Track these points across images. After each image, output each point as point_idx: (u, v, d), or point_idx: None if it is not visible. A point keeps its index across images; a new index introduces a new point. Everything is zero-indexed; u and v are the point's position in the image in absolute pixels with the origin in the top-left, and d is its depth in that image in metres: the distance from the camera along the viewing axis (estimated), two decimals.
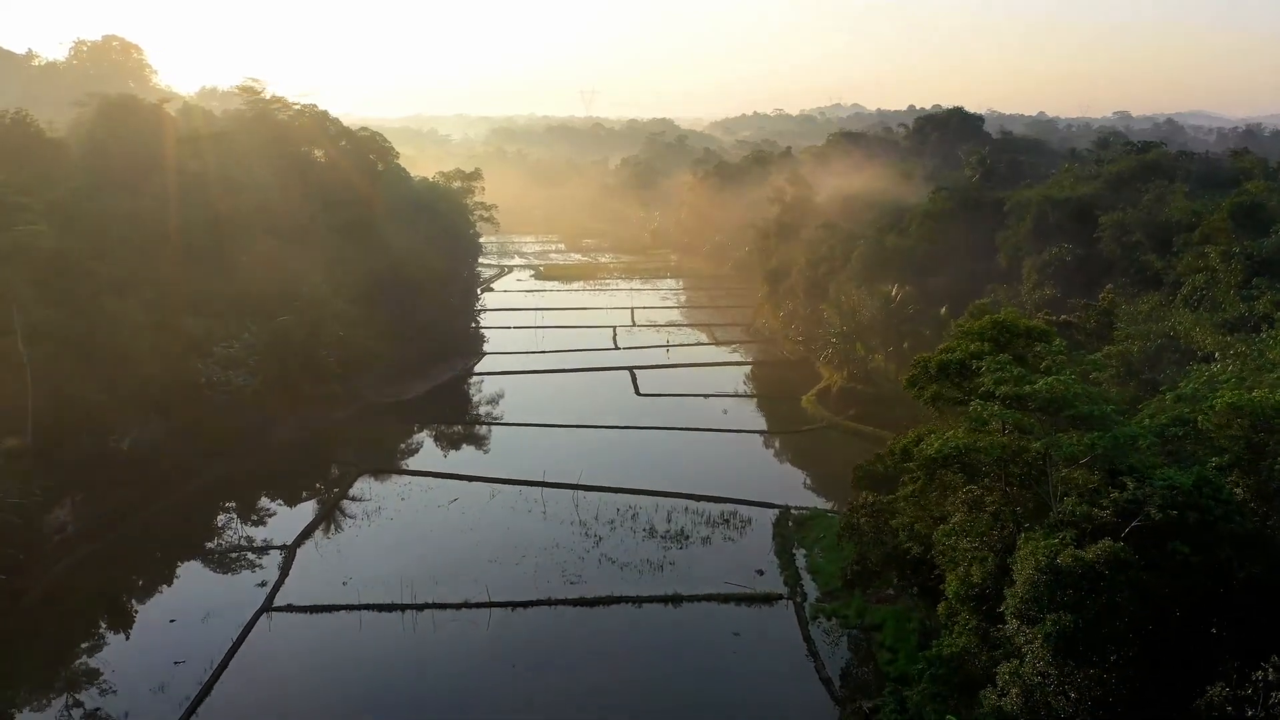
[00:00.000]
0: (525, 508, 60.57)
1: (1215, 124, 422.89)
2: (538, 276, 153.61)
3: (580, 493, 62.52)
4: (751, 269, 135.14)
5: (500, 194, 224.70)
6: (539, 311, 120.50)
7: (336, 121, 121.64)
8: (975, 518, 31.01)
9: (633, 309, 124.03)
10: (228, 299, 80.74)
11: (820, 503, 62.23)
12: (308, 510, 60.39)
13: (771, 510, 59.74)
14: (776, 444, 74.20)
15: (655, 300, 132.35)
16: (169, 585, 51.70)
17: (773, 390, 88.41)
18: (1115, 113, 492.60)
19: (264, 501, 62.83)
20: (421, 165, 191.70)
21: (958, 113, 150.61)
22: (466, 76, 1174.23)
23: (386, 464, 69.33)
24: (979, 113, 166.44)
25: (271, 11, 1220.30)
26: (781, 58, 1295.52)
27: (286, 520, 59.36)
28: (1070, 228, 73.65)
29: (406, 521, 58.62)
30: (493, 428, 77.97)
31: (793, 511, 59.42)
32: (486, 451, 72.87)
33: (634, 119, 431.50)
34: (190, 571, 52.92)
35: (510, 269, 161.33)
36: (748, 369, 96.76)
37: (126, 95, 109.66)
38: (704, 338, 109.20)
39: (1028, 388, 26.43)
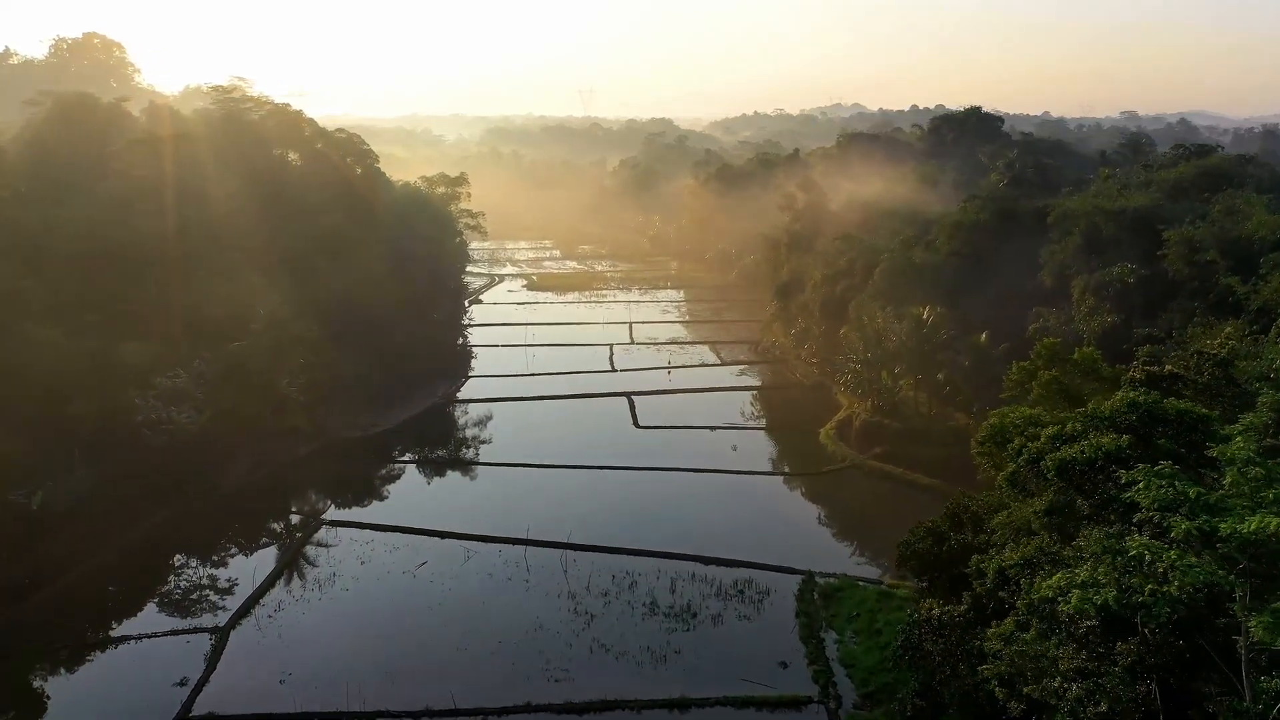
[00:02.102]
0: (505, 574, 51.84)
1: (1217, 124, 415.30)
2: (530, 287, 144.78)
3: (570, 554, 53.89)
4: (757, 278, 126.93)
5: (493, 197, 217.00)
6: (530, 327, 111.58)
7: (312, 122, 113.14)
8: (1099, 667, 22.35)
9: (631, 324, 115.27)
10: (180, 321, 72.22)
11: (849, 565, 53.55)
12: (250, 575, 51.53)
13: (793, 577, 50.99)
14: (794, 489, 65.50)
15: (655, 314, 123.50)
16: (68, 684, 42.78)
17: (786, 420, 79.70)
18: (1122, 113, 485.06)
19: (201, 563, 54.09)
20: (413, 167, 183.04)
21: (975, 113, 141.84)
22: (465, 76, 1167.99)
23: (348, 513, 60.71)
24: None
25: (267, 9, 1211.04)
26: (781, 58, 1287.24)
27: (224, 588, 50.62)
28: (1127, 243, 65.05)
29: (365, 592, 49.85)
30: (473, 468, 69.24)
31: (818, 580, 50.67)
32: (463, 499, 64.02)
33: (633, 119, 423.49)
34: (98, 666, 43.97)
35: (501, 278, 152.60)
36: (757, 394, 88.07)
37: (82, 94, 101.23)
38: (708, 357, 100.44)
39: (1223, 525, 17.91)
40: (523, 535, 55.61)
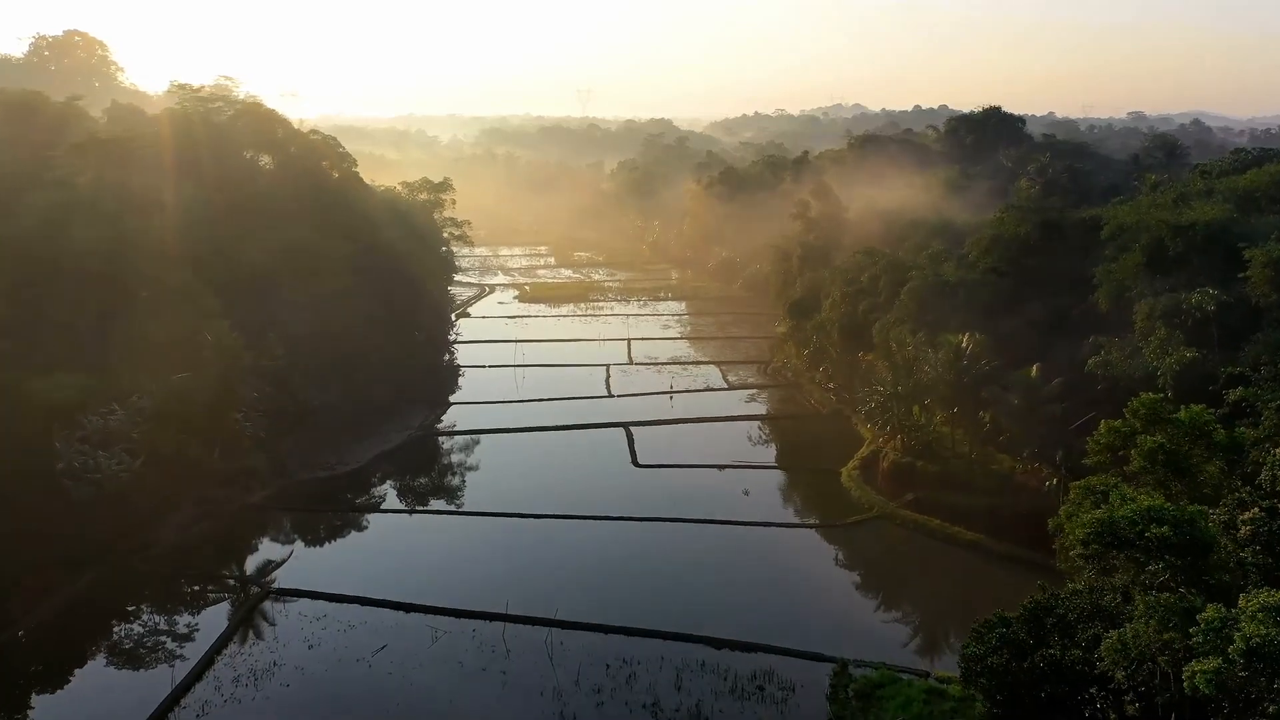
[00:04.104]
0: (478, 662, 43.47)
1: (1229, 124, 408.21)
2: (522, 298, 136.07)
3: (556, 632, 45.63)
4: (764, 289, 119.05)
5: (487, 201, 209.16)
6: (520, 345, 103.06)
7: (286, 123, 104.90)
8: None
9: (629, 340, 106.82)
10: (120, 348, 63.99)
11: (888, 648, 45.05)
12: (178, 663, 43.24)
13: (822, 666, 42.66)
14: (816, 544, 57.06)
15: (655, 329, 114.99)
16: None
17: (803, 456, 71.37)
18: (1129, 113, 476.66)
19: (119, 646, 45.70)
20: (404, 170, 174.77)
21: (996, 113, 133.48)
22: (463, 76, 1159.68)
23: (301, 573, 52.18)
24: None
25: (264, 8, 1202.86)
26: (780, 57, 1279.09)
27: (142, 679, 42.30)
28: (1197, 261, 56.82)
29: (309, 687, 41.48)
30: (448, 517, 60.78)
31: (852, 671, 42.25)
32: (435, 557, 55.45)
33: (631, 119, 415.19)
34: None
35: (492, 289, 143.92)
36: (769, 424, 79.66)
37: (29, 92, 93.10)
38: (714, 379, 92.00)
39: None
40: (502, 609, 47.34)
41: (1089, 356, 56.06)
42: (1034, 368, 56.75)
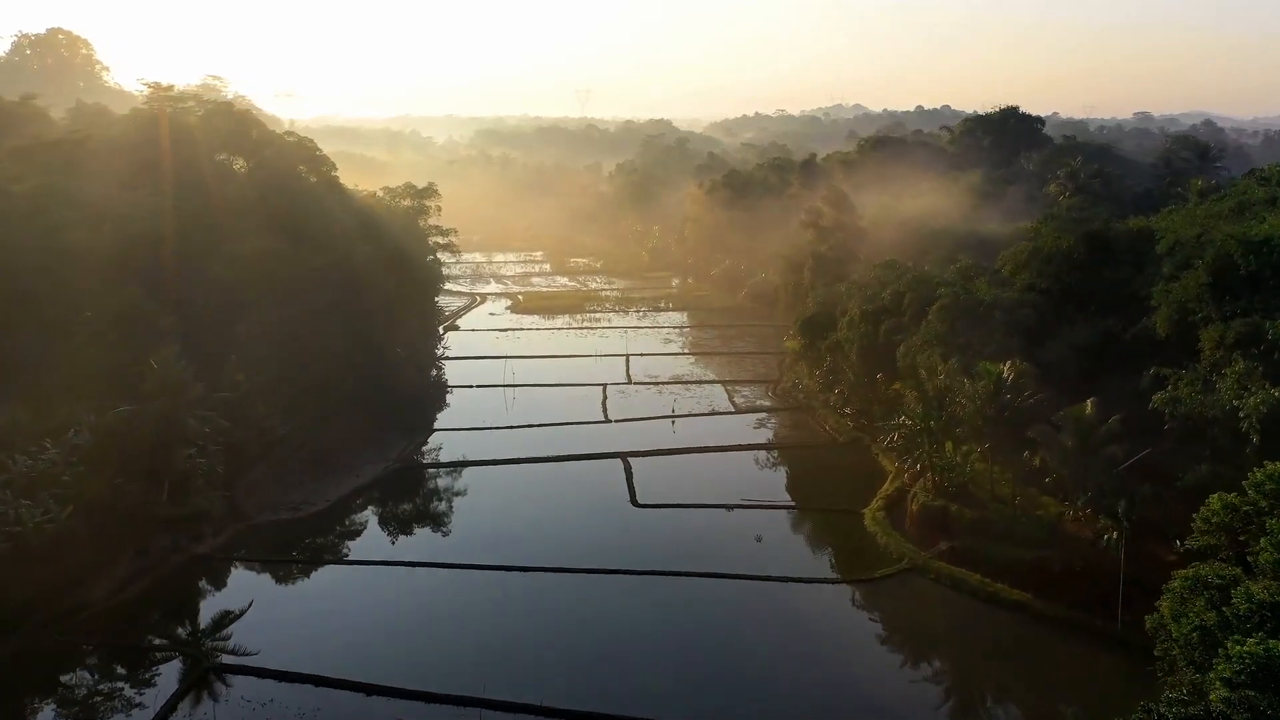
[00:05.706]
0: None
1: (1242, 126, 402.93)
2: (515, 309, 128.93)
3: None
4: (771, 299, 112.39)
5: (480, 204, 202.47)
6: (511, 362, 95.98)
7: (261, 124, 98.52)
8: None
9: (628, 356, 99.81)
10: (57, 375, 57.31)
11: None
12: None
13: None
14: (841, 606, 50.04)
15: (655, 343, 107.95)
16: None
17: (819, 492, 64.55)
18: (1136, 113, 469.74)
19: None
20: (395, 173, 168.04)
21: (1013, 113, 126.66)
22: (460, 76, 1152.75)
23: (250, 635, 45.19)
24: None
25: (260, 8, 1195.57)
26: (780, 58, 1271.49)
27: None
28: (1270, 282, 50.05)
29: None
30: (422, 570, 53.70)
31: None
32: (406, 621, 48.26)
33: (630, 120, 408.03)
34: None
35: (484, 298, 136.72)
36: (781, 454, 72.77)
37: None
38: (719, 401, 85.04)
39: None
40: (479, 691, 40.55)
41: (1149, 389, 49.31)
42: (1089, 403, 49.82)
